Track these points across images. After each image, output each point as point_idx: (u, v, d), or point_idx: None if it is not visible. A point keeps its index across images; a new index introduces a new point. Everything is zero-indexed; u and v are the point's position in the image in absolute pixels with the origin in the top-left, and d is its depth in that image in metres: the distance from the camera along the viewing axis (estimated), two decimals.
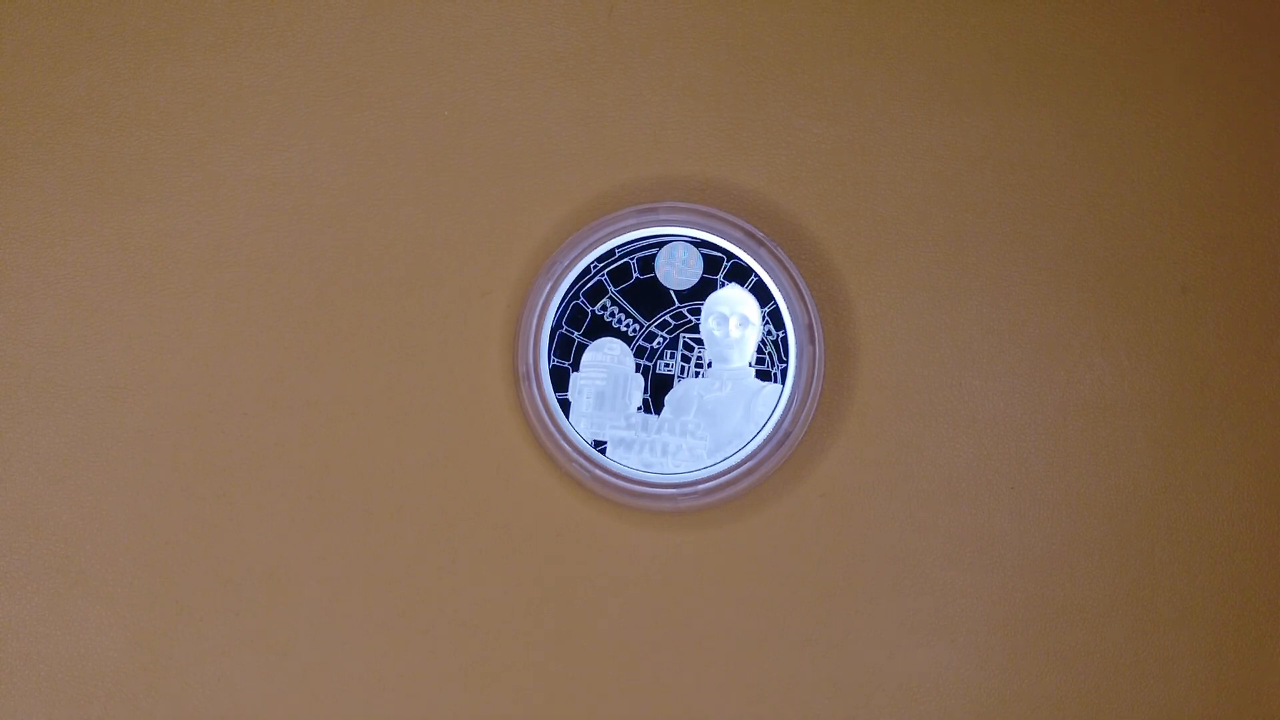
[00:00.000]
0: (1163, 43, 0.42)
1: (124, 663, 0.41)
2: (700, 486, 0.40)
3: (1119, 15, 0.42)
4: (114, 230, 0.41)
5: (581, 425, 0.40)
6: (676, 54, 0.42)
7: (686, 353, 0.40)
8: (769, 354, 0.40)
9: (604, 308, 0.40)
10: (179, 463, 0.41)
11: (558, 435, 0.40)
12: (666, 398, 0.40)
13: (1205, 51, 0.42)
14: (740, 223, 0.40)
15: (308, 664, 0.41)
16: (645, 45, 0.42)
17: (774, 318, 0.40)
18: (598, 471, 0.40)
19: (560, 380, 0.40)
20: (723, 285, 0.40)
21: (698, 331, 0.40)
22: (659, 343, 0.40)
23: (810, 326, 0.40)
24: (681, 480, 0.40)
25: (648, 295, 0.40)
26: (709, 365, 0.40)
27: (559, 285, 0.40)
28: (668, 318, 0.40)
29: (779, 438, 0.40)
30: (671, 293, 0.40)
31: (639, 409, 0.40)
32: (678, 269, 0.40)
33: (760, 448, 0.40)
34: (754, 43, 0.42)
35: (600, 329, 0.40)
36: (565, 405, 0.40)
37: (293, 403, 0.41)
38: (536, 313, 0.40)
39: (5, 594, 0.41)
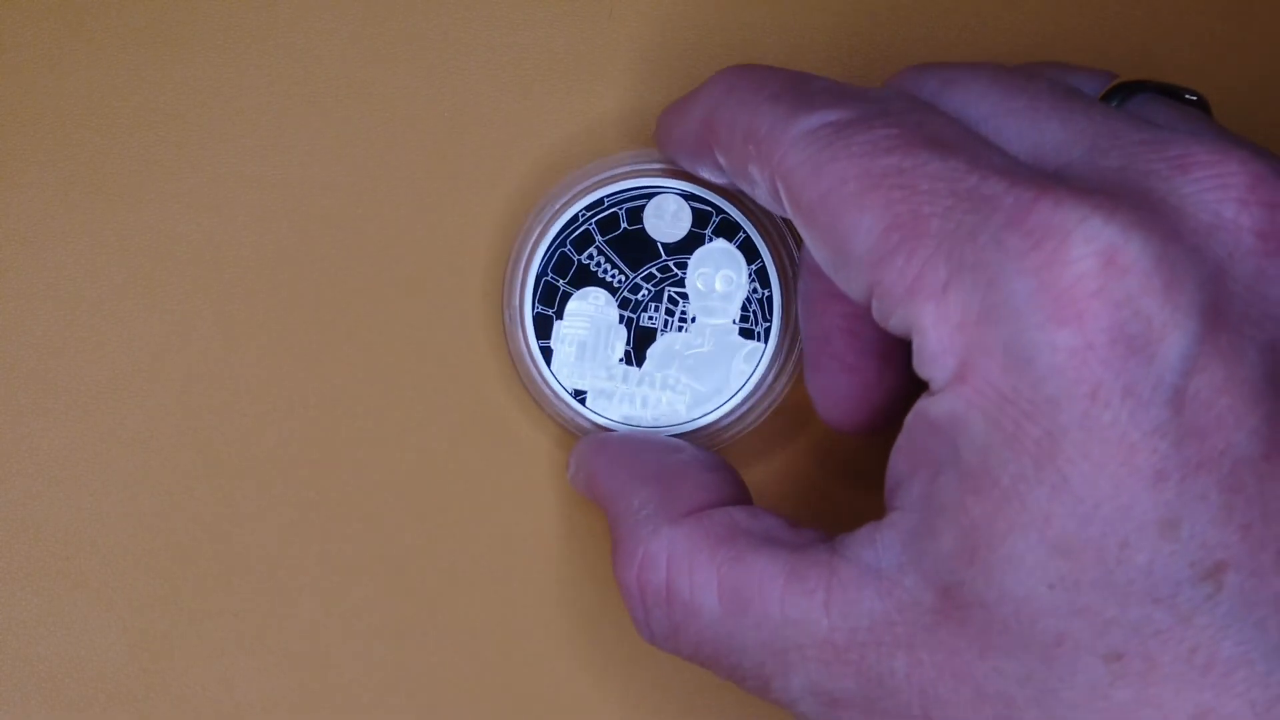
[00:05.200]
0: (1163, 45, 0.42)
1: (124, 664, 0.41)
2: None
3: (1119, 18, 0.42)
4: (114, 231, 0.41)
5: (563, 374, 0.39)
6: (677, 55, 0.42)
7: (671, 306, 0.39)
8: (753, 312, 0.39)
9: (590, 257, 0.40)
10: (179, 463, 0.41)
11: (540, 383, 0.39)
12: (648, 351, 0.39)
13: (1205, 52, 0.42)
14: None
15: (308, 664, 0.41)
16: (645, 46, 0.42)
17: (760, 276, 0.39)
18: (580, 421, 0.39)
19: (544, 328, 0.40)
20: (710, 240, 0.40)
21: (683, 285, 0.40)
22: (644, 295, 0.40)
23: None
24: (660, 435, 0.39)
25: (635, 247, 0.40)
26: (692, 320, 0.39)
27: (547, 231, 0.40)
28: (654, 270, 0.40)
29: (759, 395, 0.39)
30: (659, 245, 0.40)
31: (620, 360, 0.39)
32: (666, 221, 0.39)
33: (740, 405, 0.39)
34: (754, 44, 0.42)
35: (585, 278, 0.40)
36: (547, 353, 0.40)
37: (293, 403, 0.41)
38: (523, 260, 0.40)
39: (4, 595, 0.41)
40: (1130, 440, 0.28)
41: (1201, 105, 0.35)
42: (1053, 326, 0.28)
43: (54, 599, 0.41)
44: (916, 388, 0.33)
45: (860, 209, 0.30)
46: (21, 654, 0.41)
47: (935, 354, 0.29)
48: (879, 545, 0.31)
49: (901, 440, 0.31)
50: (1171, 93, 0.34)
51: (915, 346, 0.30)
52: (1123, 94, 0.34)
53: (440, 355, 0.41)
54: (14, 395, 0.41)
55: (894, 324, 0.30)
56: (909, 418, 0.31)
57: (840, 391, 0.37)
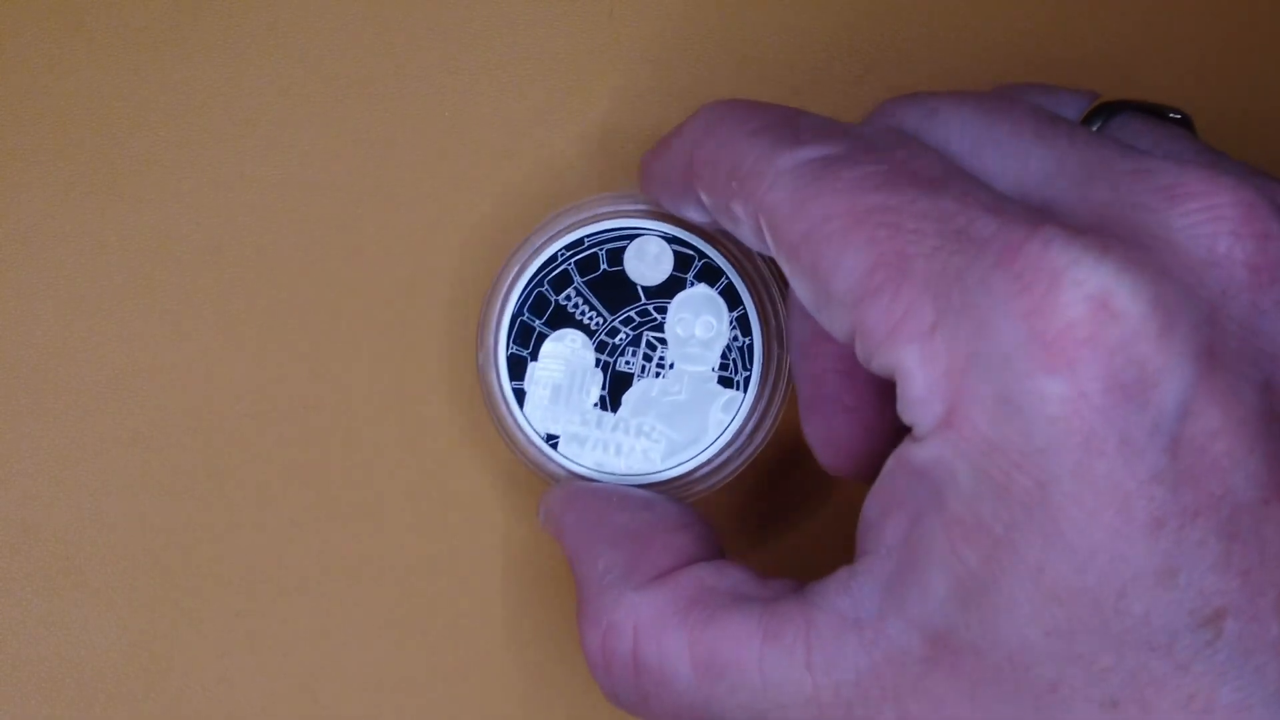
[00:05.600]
0: (1162, 46, 0.42)
1: (124, 664, 0.41)
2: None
3: (1119, 18, 0.42)
4: (114, 231, 0.41)
5: (535, 418, 0.38)
6: (677, 55, 0.42)
7: (649, 351, 0.38)
8: (733, 360, 0.38)
9: (568, 298, 0.38)
10: (179, 463, 0.41)
11: (513, 425, 0.38)
12: (624, 396, 0.38)
13: (1205, 53, 0.42)
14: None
15: (308, 664, 0.41)
16: (645, 46, 0.42)
17: (742, 323, 0.38)
18: (551, 466, 0.38)
19: (518, 370, 0.38)
20: (692, 285, 0.38)
21: (662, 330, 0.38)
22: (621, 339, 0.38)
23: (781, 333, 0.38)
24: (634, 484, 0.38)
25: (614, 289, 0.38)
26: (670, 366, 0.38)
27: (525, 270, 0.38)
28: (633, 313, 0.38)
29: (737, 446, 0.38)
30: (639, 288, 0.38)
31: (595, 405, 0.38)
32: (647, 264, 0.38)
33: (716, 456, 0.38)
34: (754, 44, 0.42)
35: (562, 320, 0.38)
36: (520, 395, 0.38)
37: (293, 403, 0.41)
38: (500, 299, 0.38)
39: (4, 595, 0.41)
40: (1126, 489, 0.27)
41: (1185, 123, 0.34)
42: (1043, 375, 0.27)
43: (54, 599, 0.41)
44: None
45: (844, 247, 0.29)
46: (21, 654, 0.41)
47: (921, 399, 0.28)
48: (855, 592, 0.30)
49: (879, 484, 0.30)
50: (1154, 111, 0.33)
51: (900, 390, 0.29)
52: (1105, 114, 0.33)
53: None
54: (14, 395, 0.41)
55: (876, 365, 0.29)
56: (889, 463, 0.30)
57: (839, 434, 0.35)
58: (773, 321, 0.38)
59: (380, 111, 0.41)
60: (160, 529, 0.41)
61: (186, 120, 0.41)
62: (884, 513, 0.30)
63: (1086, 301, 0.27)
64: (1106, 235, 0.28)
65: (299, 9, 0.42)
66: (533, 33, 0.42)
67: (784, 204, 0.30)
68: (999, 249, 0.28)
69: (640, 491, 0.37)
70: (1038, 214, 0.29)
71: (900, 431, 0.30)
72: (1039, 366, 0.27)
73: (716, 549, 0.35)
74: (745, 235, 0.32)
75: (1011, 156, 0.31)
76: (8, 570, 0.41)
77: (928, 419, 0.28)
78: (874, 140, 0.31)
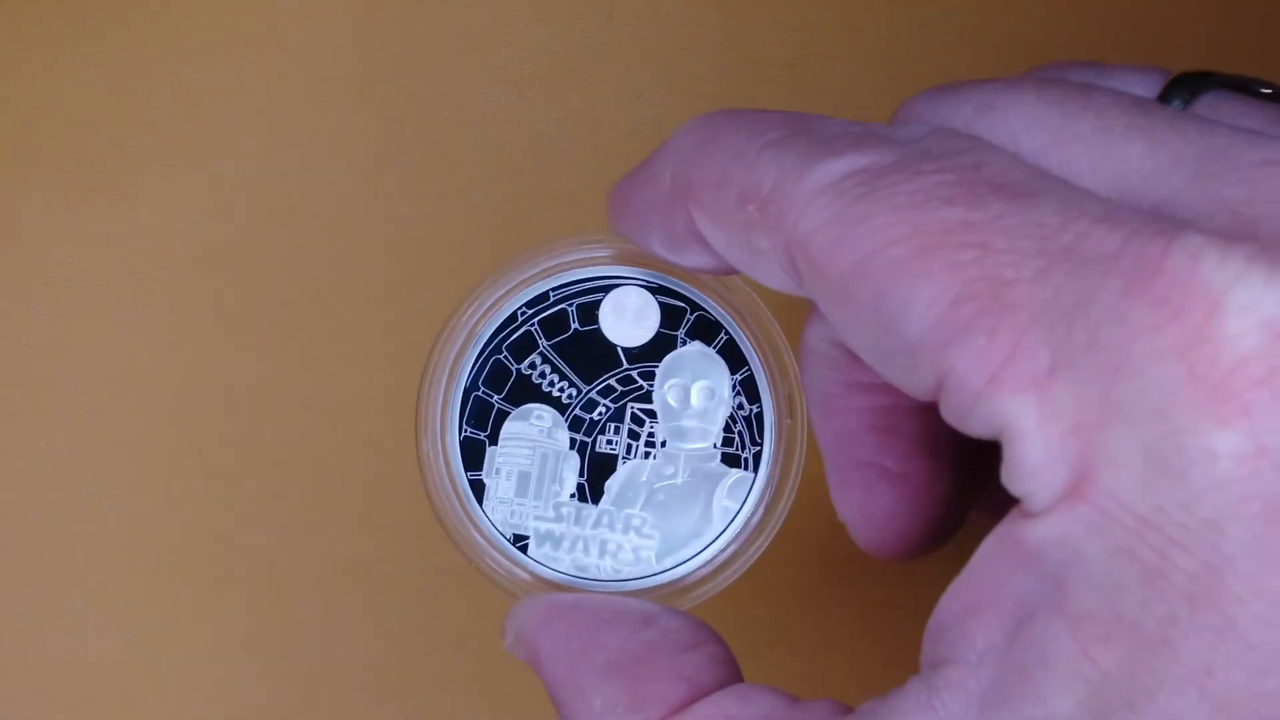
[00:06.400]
0: (1162, 47, 0.42)
1: (123, 664, 0.41)
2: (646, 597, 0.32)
3: (1119, 18, 0.42)
4: (114, 231, 0.41)
5: (498, 515, 0.32)
6: (677, 55, 0.42)
7: (635, 427, 0.32)
8: (739, 433, 0.32)
9: (532, 366, 0.32)
10: (178, 464, 0.41)
11: (469, 526, 0.32)
12: (607, 484, 0.32)
13: (1207, 54, 0.42)
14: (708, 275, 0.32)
15: (308, 664, 0.41)
16: (645, 46, 0.42)
17: (747, 387, 0.32)
18: (519, 572, 0.32)
19: (474, 457, 0.32)
20: (684, 344, 0.32)
21: (650, 401, 0.32)
22: (601, 413, 0.32)
23: (791, 398, 0.32)
24: (623, 589, 0.32)
25: (588, 352, 0.32)
26: (662, 445, 0.32)
27: (476, 334, 0.33)
28: (613, 382, 0.32)
29: (745, 536, 0.32)
30: (619, 350, 0.32)
31: (572, 496, 0.32)
32: (628, 320, 0.32)
33: (723, 550, 0.32)
34: (755, 43, 0.42)
35: (526, 394, 0.32)
36: (478, 488, 0.32)
37: (292, 404, 0.41)
38: (445, 371, 0.33)
39: (4, 595, 0.41)
40: None
41: (1278, 98, 0.28)
42: (1210, 427, 0.21)
43: (54, 599, 0.41)
44: (986, 494, 0.27)
45: (915, 277, 0.23)
46: (21, 654, 0.41)
47: (1040, 464, 0.22)
48: (941, 711, 0.24)
49: (967, 573, 0.24)
50: (1243, 86, 0.28)
51: (1008, 453, 0.23)
52: (1186, 93, 0.28)
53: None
54: (14, 395, 0.41)
55: (974, 424, 0.23)
56: (987, 545, 0.24)
57: (883, 508, 0.29)
58: (783, 382, 0.32)
59: (380, 112, 0.41)
60: (160, 529, 0.41)
61: (186, 120, 0.41)
62: (971, 610, 0.24)
63: (1261, 330, 0.21)
64: (1267, 243, 0.22)
65: (299, 9, 0.42)
66: (533, 33, 0.42)
67: (824, 230, 0.24)
68: (1129, 268, 0.22)
69: (634, 602, 0.29)
70: (1167, 220, 0.23)
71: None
72: (1204, 416, 0.21)
73: (734, 669, 0.28)
74: (768, 274, 0.26)
75: (1103, 154, 0.25)
76: (8, 570, 0.41)
77: (1048, 489, 0.23)
78: (925, 143, 0.25)
